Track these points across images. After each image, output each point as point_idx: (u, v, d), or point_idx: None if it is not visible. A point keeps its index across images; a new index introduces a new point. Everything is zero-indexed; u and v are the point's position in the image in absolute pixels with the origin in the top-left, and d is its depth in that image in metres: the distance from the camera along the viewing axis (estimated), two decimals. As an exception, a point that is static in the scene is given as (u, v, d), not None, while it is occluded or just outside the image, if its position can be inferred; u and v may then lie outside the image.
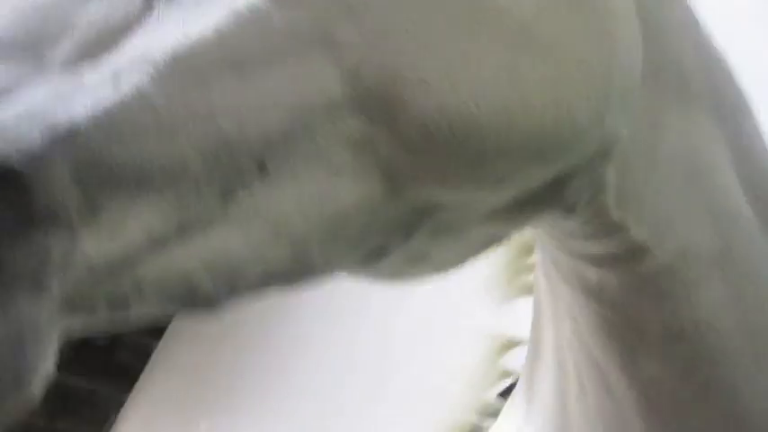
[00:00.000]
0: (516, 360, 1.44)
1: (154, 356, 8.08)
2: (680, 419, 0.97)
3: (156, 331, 8.42)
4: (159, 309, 0.71)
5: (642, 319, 0.95)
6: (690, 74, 0.97)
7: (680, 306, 0.94)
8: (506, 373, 1.50)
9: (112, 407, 10.16)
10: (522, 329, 1.37)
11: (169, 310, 0.72)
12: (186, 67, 0.63)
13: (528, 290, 1.43)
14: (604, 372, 1.01)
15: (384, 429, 2.90)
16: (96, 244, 0.62)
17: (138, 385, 8.39)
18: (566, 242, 0.97)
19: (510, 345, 1.49)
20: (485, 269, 1.50)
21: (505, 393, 1.55)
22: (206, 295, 0.70)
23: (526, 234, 1.39)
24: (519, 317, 1.46)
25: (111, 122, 0.60)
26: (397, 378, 3.02)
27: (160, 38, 0.64)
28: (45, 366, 0.63)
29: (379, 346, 3.34)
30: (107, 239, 0.62)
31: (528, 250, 1.39)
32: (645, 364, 0.97)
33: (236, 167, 0.66)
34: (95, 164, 0.60)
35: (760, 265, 1.00)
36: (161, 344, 8.01)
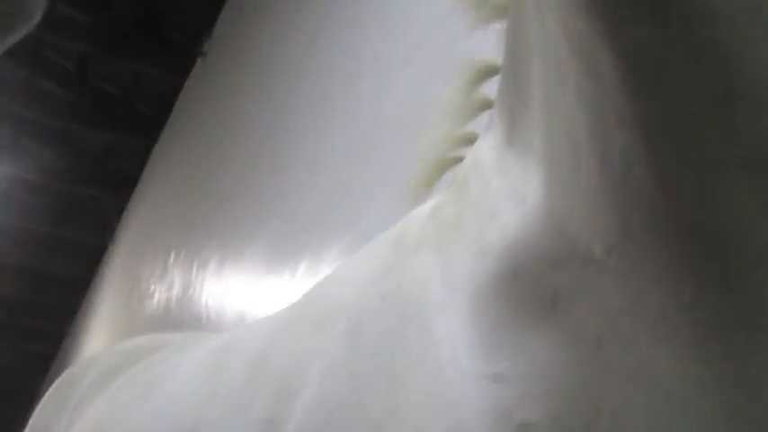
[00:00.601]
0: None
1: (150, 163, 8.17)
2: (667, 92, 0.95)
3: (151, 139, 8.53)
4: None
5: None
6: None
7: None
8: (486, 104, 1.48)
9: (114, 214, 10.42)
10: (500, 55, 1.34)
11: None
12: None
13: (503, 11, 1.39)
14: (586, 50, 0.98)
15: (362, 168, 2.91)
16: None
17: (137, 192, 8.49)
18: None
19: (487, 72, 1.46)
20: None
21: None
22: None
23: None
24: (495, 41, 1.41)
25: None
26: (369, 113, 2.96)
27: None
28: None
29: (350, 84, 3.25)
30: None
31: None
32: (631, 30, 0.95)
33: None
34: None
35: None
36: (156, 150, 8.08)
